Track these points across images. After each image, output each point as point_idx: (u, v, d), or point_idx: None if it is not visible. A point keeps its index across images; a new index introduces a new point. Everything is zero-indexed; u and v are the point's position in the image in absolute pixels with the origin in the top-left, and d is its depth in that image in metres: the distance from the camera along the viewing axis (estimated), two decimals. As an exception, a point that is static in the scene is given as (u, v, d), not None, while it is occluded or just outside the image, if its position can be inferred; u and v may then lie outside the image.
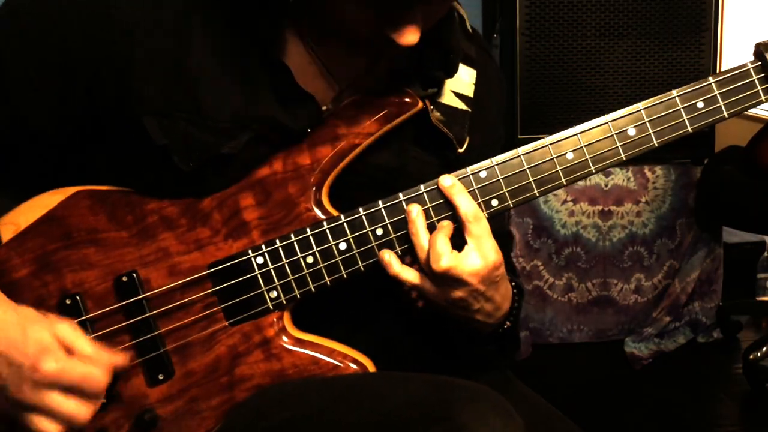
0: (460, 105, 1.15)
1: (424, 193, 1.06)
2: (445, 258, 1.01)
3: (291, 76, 1.04)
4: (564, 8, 2.78)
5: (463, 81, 1.16)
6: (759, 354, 2.71)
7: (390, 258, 1.06)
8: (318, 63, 1.08)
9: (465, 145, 1.15)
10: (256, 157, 1.06)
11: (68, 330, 0.96)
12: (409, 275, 1.05)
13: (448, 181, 1.06)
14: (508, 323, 1.14)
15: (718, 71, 2.86)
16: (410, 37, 0.97)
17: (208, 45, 1.02)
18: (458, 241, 1.05)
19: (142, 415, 1.04)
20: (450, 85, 1.15)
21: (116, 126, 1.03)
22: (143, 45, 1.00)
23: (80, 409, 0.95)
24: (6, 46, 1.02)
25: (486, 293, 1.05)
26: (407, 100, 1.09)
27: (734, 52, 3.23)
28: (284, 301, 1.06)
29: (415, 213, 1.05)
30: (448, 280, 1.03)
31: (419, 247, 1.04)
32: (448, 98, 1.14)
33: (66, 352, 0.94)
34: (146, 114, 1.01)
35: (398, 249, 1.07)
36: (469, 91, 1.17)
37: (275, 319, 1.07)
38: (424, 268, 1.05)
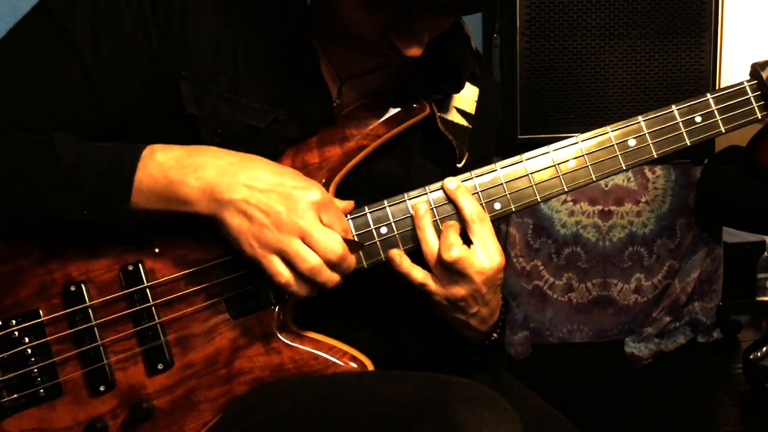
0: (462, 121, 1.18)
1: (429, 195, 1.08)
2: (456, 248, 1.03)
3: (318, 61, 1.06)
4: (564, 8, 2.78)
5: (466, 98, 1.19)
6: (759, 354, 2.71)
7: (401, 256, 1.07)
8: (324, 57, 1.10)
9: (464, 161, 1.17)
10: (274, 145, 1.08)
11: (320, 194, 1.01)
12: (418, 273, 1.06)
13: (452, 184, 1.07)
14: (495, 335, 1.15)
15: (718, 72, 2.86)
16: (415, 49, 0.99)
17: (249, 28, 1.05)
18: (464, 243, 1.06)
19: (139, 405, 1.04)
20: (455, 101, 1.17)
21: (153, 87, 1.05)
22: (196, 15, 1.03)
23: (337, 242, 1.00)
24: (81, 25, 1.03)
25: (486, 296, 1.07)
26: (415, 105, 1.11)
27: (734, 52, 3.23)
28: (287, 297, 1.06)
29: (423, 210, 1.07)
30: (455, 273, 1.04)
31: (426, 241, 1.05)
32: (451, 114, 1.17)
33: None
34: (184, 78, 1.03)
35: (401, 248, 1.08)
36: (471, 108, 1.19)
37: (277, 314, 1.07)
38: (430, 263, 1.05)
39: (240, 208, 0.98)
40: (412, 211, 1.07)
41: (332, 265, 1.00)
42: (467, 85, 1.17)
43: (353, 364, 1.07)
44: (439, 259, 1.04)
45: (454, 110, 1.17)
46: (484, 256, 1.04)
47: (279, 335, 1.07)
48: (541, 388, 1.22)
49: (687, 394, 2.71)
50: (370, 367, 1.08)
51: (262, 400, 1.03)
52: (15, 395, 1.04)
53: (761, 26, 3.17)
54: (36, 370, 1.04)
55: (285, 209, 0.98)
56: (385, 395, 0.96)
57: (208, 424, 1.06)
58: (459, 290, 1.05)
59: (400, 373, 1.04)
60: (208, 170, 0.99)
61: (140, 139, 1.05)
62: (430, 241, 1.05)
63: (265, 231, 0.98)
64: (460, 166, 1.16)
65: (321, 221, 1.00)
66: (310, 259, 0.98)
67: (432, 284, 1.06)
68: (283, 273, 0.99)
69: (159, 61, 1.04)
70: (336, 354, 1.07)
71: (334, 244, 0.99)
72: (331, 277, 1.01)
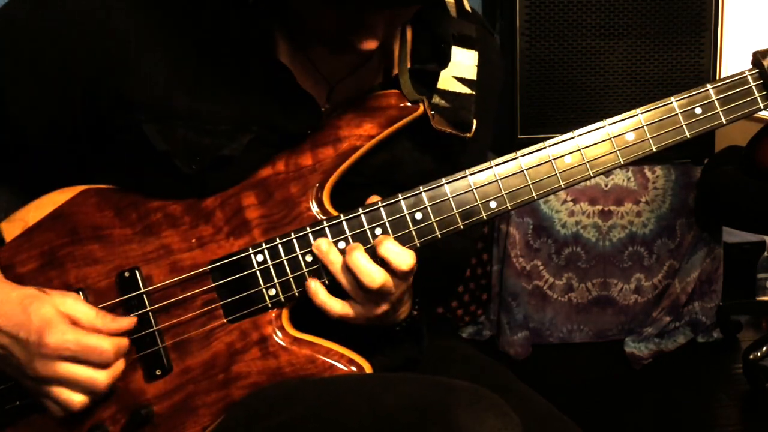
0: (464, 89, 1.14)
1: (423, 193, 1.06)
2: (379, 274, 1.02)
3: (292, 76, 1.04)
4: (564, 8, 2.78)
5: (464, 65, 1.15)
6: (759, 354, 2.71)
7: (316, 287, 1.05)
8: (307, 61, 1.08)
9: (473, 129, 1.14)
10: (257, 159, 1.07)
11: (70, 301, 1.00)
12: (336, 305, 1.05)
13: (324, 246, 1.05)
14: (415, 311, 1.15)
15: (718, 71, 2.87)
16: (369, 43, 0.96)
17: (203, 52, 1.03)
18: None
19: (138, 411, 1.04)
20: (451, 70, 1.14)
21: (116, 133, 1.04)
22: (139, 55, 1.01)
23: (94, 375, 0.99)
24: (1, 60, 1.03)
25: (404, 297, 1.08)
26: (408, 104, 1.08)
27: (734, 52, 3.23)
28: (283, 300, 1.07)
29: (325, 246, 1.05)
30: (378, 296, 1.04)
31: (345, 276, 1.04)
32: (450, 84, 1.14)
33: (71, 323, 0.98)
34: (145, 122, 1.02)
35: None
36: (472, 74, 1.16)
37: (273, 318, 1.07)
38: (352, 292, 1.04)
39: None
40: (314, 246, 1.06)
41: (110, 361, 1.00)
42: (463, 50, 1.14)
43: (352, 367, 1.07)
44: (363, 288, 1.03)
45: (453, 79, 1.14)
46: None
47: (275, 339, 1.07)
48: (541, 388, 1.22)
49: (687, 394, 2.71)
50: (368, 369, 1.07)
51: (264, 406, 1.03)
52: (17, 402, 1.05)
53: (761, 26, 3.17)
54: None
55: (28, 355, 0.98)
56: (387, 400, 0.96)
57: (207, 428, 1.06)
58: (381, 308, 1.05)
59: (401, 377, 1.03)
60: None
61: (119, 170, 1.07)
62: (346, 277, 1.04)
63: (25, 371, 0.99)
64: (470, 135, 1.13)
65: (78, 325, 0.99)
66: (84, 374, 0.99)
67: (353, 312, 1.05)
68: (73, 398, 0.99)
69: (103, 108, 1.03)
70: (333, 357, 1.07)
71: (100, 348, 0.99)
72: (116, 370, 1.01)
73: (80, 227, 1.06)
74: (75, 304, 1.00)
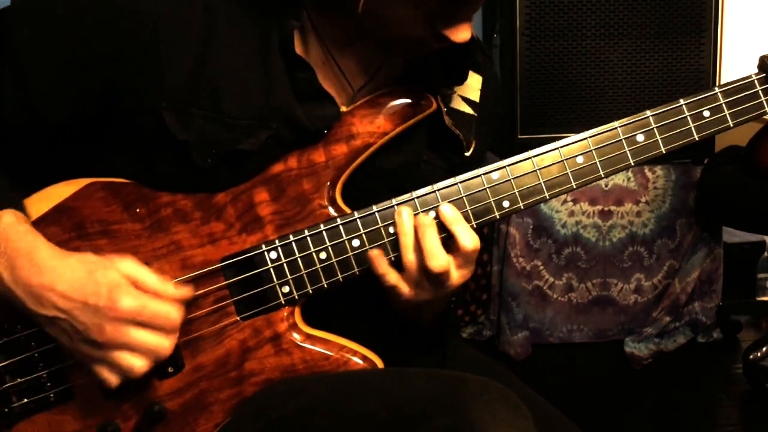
0: (468, 110, 1.17)
1: (437, 192, 1.07)
2: (441, 258, 1.03)
3: (314, 75, 1.05)
4: (564, 8, 2.78)
5: (470, 86, 1.18)
6: (759, 354, 2.71)
7: (380, 256, 1.06)
8: (333, 64, 1.08)
9: (471, 149, 1.16)
10: (271, 156, 1.07)
11: (132, 265, 0.99)
12: (393, 276, 1.06)
13: (449, 213, 1.06)
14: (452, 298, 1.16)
15: (718, 71, 2.87)
16: (465, 33, 0.98)
17: (231, 43, 1.03)
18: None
19: (150, 408, 1.04)
20: (459, 90, 1.16)
21: (134, 119, 1.04)
22: (168, 40, 1.01)
23: (161, 341, 0.99)
24: (27, 41, 1.02)
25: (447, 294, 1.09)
26: (422, 101, 1.09)
27: (735, 52, 3.24)
28: (296, 297, 1.06)
29: (405, 215, 1.05)
30: (439, 281, 1.05)
31: (409, 248, 1.05)
32: (456, 103, 1.16)
33: (135, 287, 0.98)
34: (165, 108, 1.01)
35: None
36: (476, 96, 1.18)
37: (286, 315, 1.07)
38: (412, 268, 1.05)
39: (51, 323, 0.98)
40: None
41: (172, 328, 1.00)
42: (470, 73, 1.17)
43: (363, 363, 1.07)
44: (425, 268, 1.04)
45: (459, 99, 1.16)
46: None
47: (289, 336, 1.07)
48: (541, 388, 1.22)
49: (687, 394, 2.71)
50: (381, 365, 1.08)
51: (274, 400, 1.03)
52: (25, 400, 1.04)
53: (761, 26, 3.17)
54: (45, 375, 1.04)
55: (98, 319, 0.96)
56: (397, 392, 0.97)
57: (219, 425, 1.06)
58: (440, 290, 1.07)
59: (411, 371, 1.04)
60: (23, 271, 0.97)
61: (131, 157, 1.06)
62: (411, 249, 1.06)
63: (90, 336, 0.97)
64: (468, 154, 1.16)
65: (142, 290, 0.99)
66: (150, 341, 0.98)
67: (404, 288, 1.06)
68: (136, 363, 0.98)
69: (125, 92, 1.02)
70: (347, 353, 1.07)
71: (165, 315, 0.99)
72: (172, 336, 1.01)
73: (87, 222, 1.05)
74: (136, 267, 0.99)
